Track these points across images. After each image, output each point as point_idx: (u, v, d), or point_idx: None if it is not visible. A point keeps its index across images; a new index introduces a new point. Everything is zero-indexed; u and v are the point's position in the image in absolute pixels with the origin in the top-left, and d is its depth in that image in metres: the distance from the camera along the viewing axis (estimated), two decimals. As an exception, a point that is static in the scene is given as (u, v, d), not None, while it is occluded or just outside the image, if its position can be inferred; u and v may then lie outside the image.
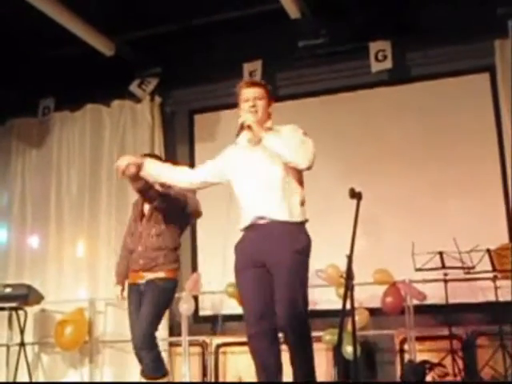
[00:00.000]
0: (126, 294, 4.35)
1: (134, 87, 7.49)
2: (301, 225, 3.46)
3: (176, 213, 4.26)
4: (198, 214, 4.43)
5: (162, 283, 4.15)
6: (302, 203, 3.48)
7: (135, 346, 4.10)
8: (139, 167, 3.68)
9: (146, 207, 4.36)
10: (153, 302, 4.10)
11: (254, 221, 3.39)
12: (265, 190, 3.38)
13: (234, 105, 7.32)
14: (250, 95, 3.51)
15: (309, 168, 3.39)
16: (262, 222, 3.37)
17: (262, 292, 3.34)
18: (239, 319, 6.46)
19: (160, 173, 3.73)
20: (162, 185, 4.08)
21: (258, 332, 3.34)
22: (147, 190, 4.12)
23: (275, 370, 3.40)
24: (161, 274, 4.16)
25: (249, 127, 3.39)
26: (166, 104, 7.81)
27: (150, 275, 4.16)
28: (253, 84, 3.59)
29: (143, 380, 4.14)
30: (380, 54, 6.71)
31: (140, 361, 4.13)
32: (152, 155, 4.47)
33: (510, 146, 6.32)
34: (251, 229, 3.41)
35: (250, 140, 3.49)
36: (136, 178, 3.83)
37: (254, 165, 3.44)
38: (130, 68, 7.38)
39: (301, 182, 3.52)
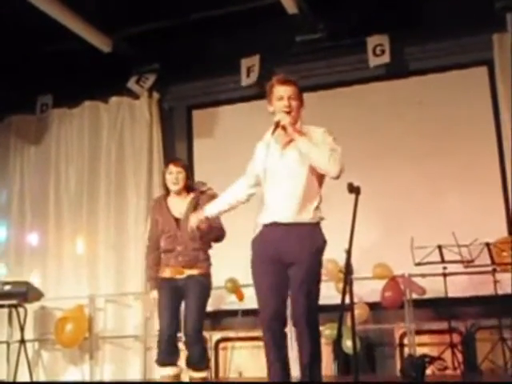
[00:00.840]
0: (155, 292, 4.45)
1: (131, 83, 7.49)
2: (317, 225, 3.50)
3: (212, 238, 4.46)
4: (223, 238, 4.56)
5: (202, 279, 4.31)
6: (319, 205, 3.52)
7: (169, 338, 4.24)
8: (207, 220, 3.90)
9: (175, 210, 4.46)
10: (199, 297, 4.27)
11: (275, 219, 3.44)
12: (289, 191, 3.43)
13: (232, 100, 7.38)
14: (284, 93, 3.46)
15: (338, 177, 3.40)
16: (283, 221, 3.42)
17: (279, 288, 3.43)
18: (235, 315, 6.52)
19: (219, 209, 3.85)
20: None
21: (274, 326, 3.42)
22: (210, 232, 4.29)
23: (287, 362, 3.49)
24: (199, 271, 4.32)
25: (283, 127, 3.39)
26: (164, 100, 7.81)
27: (191, 271, 4.31)
28: (287, 82, 3.49)
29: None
30: (378, 49, 6.71)
31: (166, 353, 4.27)
32: (178, 163, 4.54)
33: (508, 139, 6.33)
34: (272, 227, 3.46)
35: (281, 140, 3.49)
36: (201, 222, 3.98)
37: (283, 167, 3.46)
38: (128, 64, 7.38)
39: (321, 183, 3.55)
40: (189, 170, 4.59)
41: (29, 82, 7.55)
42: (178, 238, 4.37)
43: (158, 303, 4.38)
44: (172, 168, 4.46)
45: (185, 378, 4.49)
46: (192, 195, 4.47)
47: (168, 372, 4.31)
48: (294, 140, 3.41)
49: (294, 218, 3.41)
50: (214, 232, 4.35)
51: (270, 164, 3.48)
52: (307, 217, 3.44)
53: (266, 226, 3.50)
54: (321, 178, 3.54)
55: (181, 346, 4.35)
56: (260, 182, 3.60)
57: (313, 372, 3.42)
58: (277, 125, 3.38)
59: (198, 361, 4.28)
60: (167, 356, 4.28)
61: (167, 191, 4.53)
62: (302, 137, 3.40)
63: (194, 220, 3.90)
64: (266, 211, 3.51)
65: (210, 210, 3.85)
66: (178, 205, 4.48)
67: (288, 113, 3.42)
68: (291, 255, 3.39)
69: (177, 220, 4.44)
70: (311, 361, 3.42)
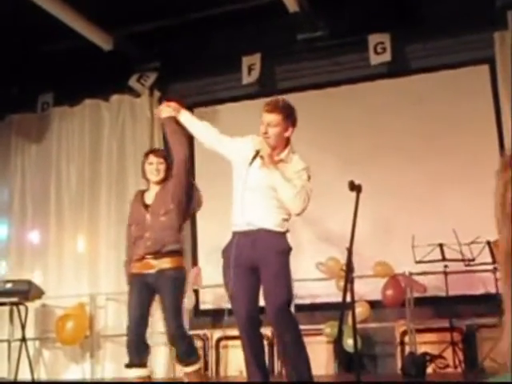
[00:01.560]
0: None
1: (132, 82, 7.48)
2: (283, 234, 3.71)
3: (184, 195, 4.28)
4: (200, 204, 4.49)
5: (174, 273, 4.16)
6: (287, 219, 3.75)
7: (137, 337, 4.17)
8: (177, 110, 4.06)
9: (148, 199, 4.37)
10: (174, 295, 4.15)
11: (244, 228, 3.67)
12: (259, 202, 3.65)
13: (233, 99, 7.37)
14: (264, 120, 3.64)
15: (299, 214, 3.69)
16: (251, 228, 3.64)
17: (252, 291, 3.65)
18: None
19: (193, 119, 4.08)
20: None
21: (251, 327, 3.66)
22: (177, 137, 4.22)
23: (263, 361, 3.76)
24: (170, 264, 4.15)
25: (261, 158, 3.62)
26: (165, 98, 7.78)
27: (159, 263, 4.15)
28: (270, 110, 3.65)
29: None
30: (379, 47, 6.70)
31: (135, 353, 4.17)
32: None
33: (509, 137, 6.31)
34: (241, 234, 3.69)
35: (261, 165, 3.69)
36: (171, 120, 4.14)
37: (257, 178, 3.65)
38: (129, 62, 7.38)
39: None
40: (170, 160, 4.42)
41: (30, 81, 7.57)
42: (146, 223, 4.24)
43: (128, 300, 4.28)
44: (153, 158, 4.38)
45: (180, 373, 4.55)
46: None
47: (137, 373, 4.21)
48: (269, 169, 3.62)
49: (260, 225, 3.62)
50: (186, 146, 4.28)
51: (247, 171, 3.67)
52: (272, 225, 3.64)
53: (236, 233, 3.72)
54: None
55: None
56: (227, 153, 3.87)
57: (298, 370, 3.60)
58: (256, 154, 3.63)
59: (187, 355, 4.21)
60: (136, 356, 4.18)
61: (148, 183, 4.45)
62: (276, 170, 3.59)
63: (165, 110, 4.08)
64: (236, 219, 3.72)
65: (185, 115, 4.06)
66: (153, 194, 4.39)
67: (267, 138, 3.61)
68: (260, 259, 3.60)
69: (147, 206, 4.33)
70: (294, 360, 3.61)
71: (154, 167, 4.36)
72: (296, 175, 3.66)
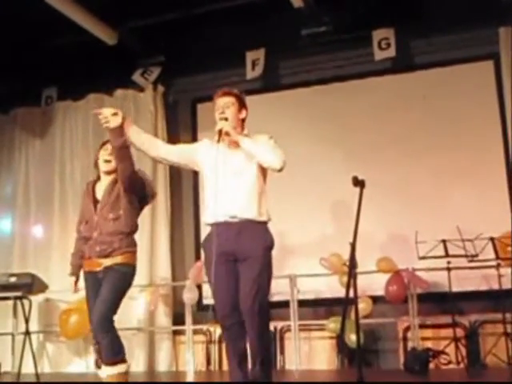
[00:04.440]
0: (81, 284, 4.22)
1: (136, 76, 7.48)
2: (266, 224, 3.69)
3: (135, 194, 4.12)
4: (154, 195, 4.32)
5: (120, 268, 4.00)
6: (265, 204, 3.71)
7: (93, 332, 3.93)
8: (124, 120, 3.80)
9: (99, 193, 4.21)
10: (112, 287, 3.95)
11: (225, 218, 3.61)
12: (238, 190, 3.62)
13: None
14: (219, 104, 3.77)
15: (281, 169, 3.61)
16: (233, 220, 3.60)
17: (234, 285, 3.59)
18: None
19: (141, 134, 3.90)
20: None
21: (234, 322, 3.60)
22: (125, 152, 3.92)
23: (245, 356, 3.66)
24: (118, 260, 4.01)
25: (226, 133, 3.64)
26: (168, 93, 7.81)
27: (107, 261, 4.01)
28: (222, 94, 3.80)
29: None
30: (383, 43, 6.69)
31: (98, 350, 3.97)
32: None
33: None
34: (222, 226, 3.62)
35: (229, 145, 3.71)
36: (119, 132, 3.81)
37: (232, 166, 3.67)
38: (133, 57, 7.38)
39: (264, 187, 3.75)
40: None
41: (33, 75, 7.56)
42: (94, 222, 4.07)
43: (85, 297, 4.14)
44: (108, 146, 4.14)
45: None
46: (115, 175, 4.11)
47: (110, 372, 3.85)
48: (239, 141, 3.64)
49: (242, 216, 3.59)
50: (132, 163, 3.94)
51: (217, 163, 3.65)
52: (255, 215, 3.61)
53: (216, 225, 3.65)
54: (265, 180, 3.73)
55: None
56: (184, 162, 3.88)
57: (261, 366, 3.55)
58: (220, 133, 3.64)
59: (110, 353, 3.81)
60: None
61: (98, 175, 4.26)
62: (244, 138, 3.65)
63: (111, 110, 3.79)
64: (214, 211, 3.63)
65: (133, 129, 3.86)
66: (104, 187, 4.17)
67: (225, 119, 3.68)
68: (243, 251, 3.57)
69: (96, 203, 4.16)
70: (260, 354, 3.56)
71: (108, 152, 4.16)
72: (263, 141, 3.71)
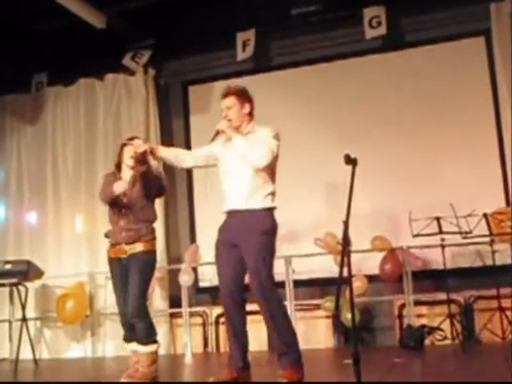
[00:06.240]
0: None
1: (127, 60, 7.43)
2: (269, 211, 3.89)
3: (155, 189, 4.52)
4: (165, 190, 4.70)
5: (145, 256, 4.39)
6: (272, 194, 3.93)
7: (125, 316, 4.39)
8: (150, 147, 4.24)
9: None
10: (140, 275, 4.34)
11: (231, 208, 3.91)
12: (239, 182, 3.88)
13: (228, 75, 7.32)
14: (222, 106, 3.97)
15: (263, 166, 3.80)
16: (237, 209, 3.88)
17: (236, 268, 3.84)
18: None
19: (168, 153, 4.28)
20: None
21: (233, 301, 3.85)
22: (147, 174, 4.40)
23: (245, 335, 3.93)
24: (141, 247, 4.39)
25: (223, 132, 3.90)
26: (159, 76, 7.76)
27: (131, 249, 4.39)
28: (224, 95, 3.98)
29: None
30: (374, 21, 6.65)
31: (128, 329, 4.46)
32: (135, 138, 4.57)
33: (505, 110, 6.30)
34: (229, 214, 3.95)
35: (225, 141, 3.98)
36: (144, 161, 4.32)
37: (231, 160, 3.93)
38: (123, 40, 7.31)
39: (272, 176, 3.94)
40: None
41: (23, 61, 7.49)
42: (122, 211, 4.47)
43: (112, 281, 4.58)
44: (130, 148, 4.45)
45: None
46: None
47: (132, 347, 4.47)
48: (231, 139, 3.88)
49: (244, 206, 3.83)
50: (153, 179, 4.42)
51: (222, 158, 3.98)
52: (256, 205, 3.83)
53: (226, 213, 3.97)
54: (269, 170, 3.90)
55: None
56: (212, 161, 4.12)
57: (287, 344, 3.73)
58: (217, 132, 3.91)
59: (142, 336, 4.35)
60: (128, 332, 4.46)
61: (119, 170, 4.58)
62: (237, 134, 3.87)
63: (142, 146, 4.20)
64: (224, 201, 3.95)
65: (161, 149, 4.31)
66: (127, 178, 4.52)
67: (229, 120, 3.91)
68: (243, 238, 3.79)
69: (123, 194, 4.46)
70: (283, 333, 3.74)
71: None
72: (261, 137, 3.85)
